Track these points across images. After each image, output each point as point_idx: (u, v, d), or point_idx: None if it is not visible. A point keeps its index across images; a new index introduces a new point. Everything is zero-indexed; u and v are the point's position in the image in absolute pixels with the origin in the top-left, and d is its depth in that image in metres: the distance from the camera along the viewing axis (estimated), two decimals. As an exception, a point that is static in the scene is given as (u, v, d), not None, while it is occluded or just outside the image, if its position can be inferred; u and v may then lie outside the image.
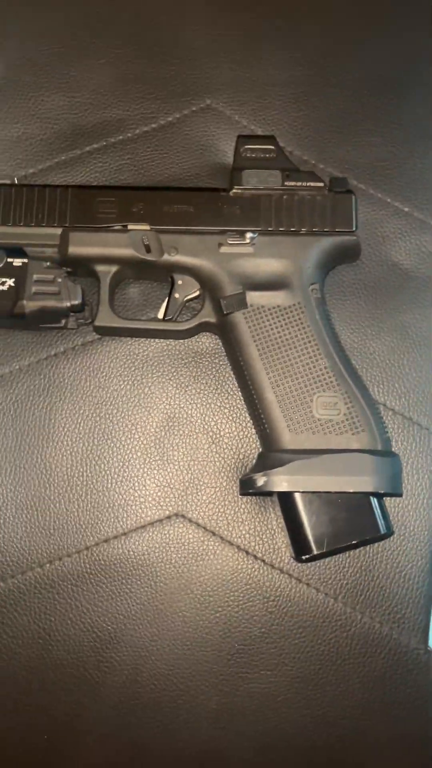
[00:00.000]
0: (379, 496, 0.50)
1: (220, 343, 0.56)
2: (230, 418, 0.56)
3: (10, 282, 0.53)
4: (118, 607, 0.54)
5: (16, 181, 0.56)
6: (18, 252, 0.53)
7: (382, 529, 0.49)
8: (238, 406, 0.56)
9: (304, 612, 0.54)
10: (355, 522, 0.49)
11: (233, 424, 0.56)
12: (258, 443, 0.55)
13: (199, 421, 0.56)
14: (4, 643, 0.53)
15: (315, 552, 0.49)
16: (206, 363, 0.57)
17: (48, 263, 0.53)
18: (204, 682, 0.53)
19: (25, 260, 0.53)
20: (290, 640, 0.53)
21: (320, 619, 0.53)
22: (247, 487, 0.51)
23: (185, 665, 0.53)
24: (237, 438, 0.56)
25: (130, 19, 0.61)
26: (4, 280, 0.53)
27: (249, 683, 0.53)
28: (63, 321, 0.55)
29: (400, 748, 0.53)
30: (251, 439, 0.56)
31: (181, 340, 0.57)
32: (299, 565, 0.54)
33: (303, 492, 0.49)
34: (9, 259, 0.53)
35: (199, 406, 0.56)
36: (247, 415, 0.56)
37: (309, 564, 0.54)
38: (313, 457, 0.49)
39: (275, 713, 0.53)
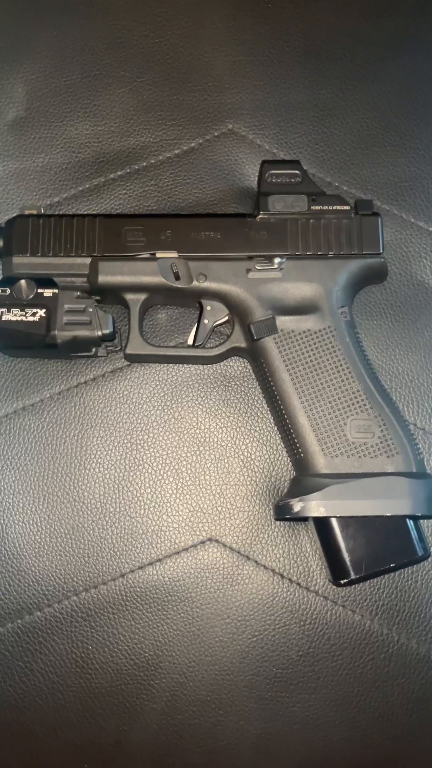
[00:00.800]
0: (416, 519, 0.50)
1: (249, 367, 0.57)
2: (261, 441, 0.56)
3: (41, 312, 0.53)
4: (155, 633, 0.54)
5: (43, 211, 0.56)
6: (48, 282, 0.54)
7: (419, 552, 0.50)
8: (268, 429, 0.57)
9: (341, 634, 0.54)
10: (392, 545, 0.50)
11: (264, 448, 0.56)
12: (289, 467, 0.55)
13: (229, 445, 0.56)
14: (43, 671, 0.54)
15: (353, 576, 0.49)
16: (235, 387, 0.57)
17: (78, 293, 0.54)
18: (243, 706, 0.53)
19: (56, 290, 0.53)
20: (328, 662, 0.54)
21: (357, 641, 0.54)
22: (283, 512, 0.51)
23: (224, 690, 0.53)
24: (268, 461, 0.56)
25: (151, 47, 0.61)
26: (35, 310, 0.53)
27: (289, 707, 0.53)
28: (93, 349, 0.55)
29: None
30: (282, 463, 0.56)
31: (209, 366, 0.57)
32: (334, 587, 0.54)
33: (340, 516, 0.50)
34: (39, 290, 0.53)
35: (229, 430, 0.57)
36: (277, 438, 0.56)
37: (345, 587, 0.54)
38: (349, 482, 0.49)
39: (316, 736, 0.53)
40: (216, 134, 0.60)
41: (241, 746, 0.53)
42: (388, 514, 0.49)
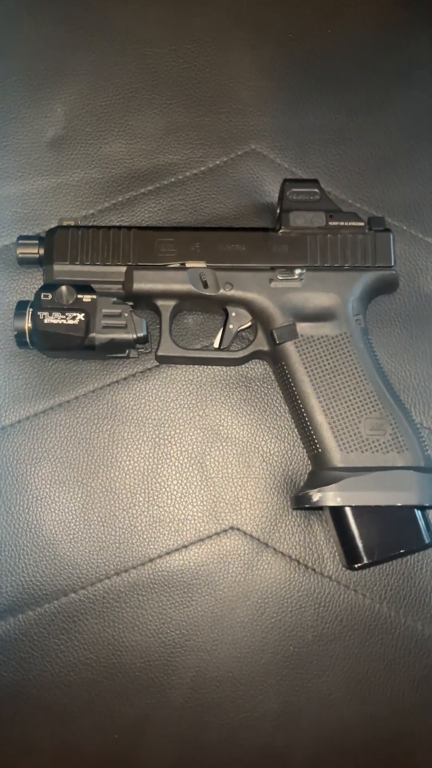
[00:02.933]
0: (423, 509, 0.55)
1: (268, 369, 0.61)
2: (279, 438, 0.61)
3: (81, 316, 0.57)
4: (180, 615, 0.58)
5: (79, 222, 0.60)
6: (86, 289, 0.58)
7: (427, 539, 0.54)
8: (286, 427, 0.61)
9: (352, 616, 0.58)
10: (402, 533, 0.54)
11: (282, 444, 0.61)
12: (306, 461, 0.60)
13: (250, 441, 0.61)
14: (77, 649, 0.58)
15: (366, 561, 0.54)
16: (256, 387, 0.61)
17: (114, 299, 0.58)
18: (263, 683, 0.57)
19: (94, 296, 0.58)
20: (341, 642, 0.58)
21: (368, 623, 0.58)
22: (302, 502, 0.55)
23: (245, 668, 0.58)
24: (285, 456, 0.60)
25: (181, 73, 0.66)
26: (75, 314, 0.57)
27: (304, 684, 0.57)
28: (127, 351, 0.60)
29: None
30: (299, 458, 0.60)
31: (232, 367, 0.62)
32: (347, 572, 0.59)
33: (354, 506, 0.54)
34: (79, 296, 0.57)
35: (250, 427, 0.61)
36: (294, 435, 0.60)
37: (356, 571, 0.58)
38: (363, 475, 0.54)
39: (329, 711, 0.57)
40: (239, 153, 0.65)
41: (260, 720, 0.57)
42: (398, 505, 0.53)
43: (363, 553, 0.54)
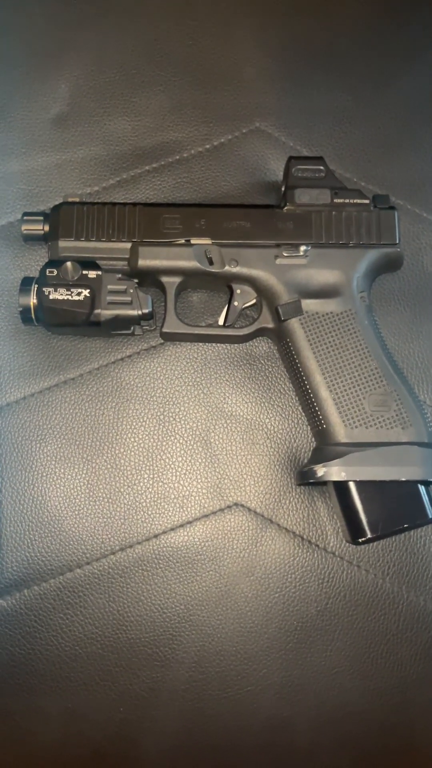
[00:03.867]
0: (427, 484, 0.55)
1: (272, 347, 0.62)
2: (283, 415, 0.61)
3: (86, 292, 0.57)
4: (185, 590, 0.59)
5: (83, 199, 0.60)
6: (92, 265, 0.58)
7: (430, 514, 0.54)
8: (290, 404, 0.61)
9: (355, 591, 0.59)
10: (406, 508, 0.54)
11: (286, 421, 0.61)
12: (309, 438, 0.60)
13: (254, 418, 0.61)
14: (83, 623, 0.58)
15: (370, 535, 0.54)
16: (260, 365, 0.62)
17: (119, 275, 0.58)
18: (266, 656, 0.58)
19: (99, 272, 0.58)
20: (343, 617, 0.58)
21: (370, 598, 0.59)
22: (306, 477, 0.56)
23: (249, 642, 0.58)
24: (289, 433, 0.61)
25: (186, 51, 0.66)
26: (80, 290, 0.57)
27: (307, 658, 0.58)
28: (132, 328, 0.60)
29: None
30: (303, 435, 0.61)
31: (237, 345, 0.62)
32: (350, 548, 0.59)
33: (358, 481, 0.55)
34: (84, 272, 0.57)
35: (254, 404, 0.61)
36: (298, 412, 0.61)
37: (359, 547, 0.59)
38: (367, 450, 0.54)
39: (332, 684, 0.58)
40: (244, 131, 0.65)
41: (264, 693, 0.58)
42: (402, 479, 0.54)
43: (367, 528, 0.54)
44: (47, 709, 0.57)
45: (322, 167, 0.59)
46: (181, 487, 0.60)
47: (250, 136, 0.65)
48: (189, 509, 0.59)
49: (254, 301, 0.60)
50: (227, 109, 0.65)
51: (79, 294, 0.57)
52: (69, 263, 0.57)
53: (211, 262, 0.58)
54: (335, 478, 0.54)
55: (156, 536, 0.59)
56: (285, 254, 0.58)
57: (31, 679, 0.57)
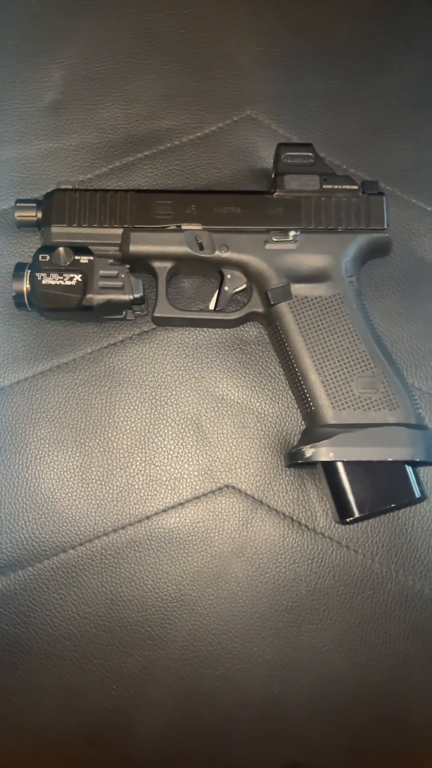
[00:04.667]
0: (414, 465, 0.56)
1: (263, 332, 0.63)
2: (273, 399, 0.62)
3: (78, 277, 0.58)
4: (177, 571, 0.59)
5: (77, 186, 0.61)
6: (84, 250, 0.59)
7: (417, 494, 0.55)
8: (280, 388, 0.62)
9: (345, 572, 0.60)
10: (393, 488, 0.55)
11: (276, 405, 0.62)
12: (299, 421, 0.61)
13: (245, 402, 0.62)
14: (76, 603, 0.59)
15: (357, 515, 0.55)
16: (251, 350, 0.63)
17: (111, 260, 0.59)
18: (257, 635, 0.59)
19: (91, 257, 0.58)
20: (333, 597, 0.59)
21: (360, 578, 0.59)
22: (295, 458, 0.57)
23: (240, 621, 0.59)
24: (279, 416, 0.62)
25: (178, 38, 0.67)
26: (72, 275, 0.58)
27: (298, 637, 0.59)
28: (124, 312, 0.60)
29: (434, 691, 0.59)
30: (293, 418, 0.62)
31: (228, 330, 0.63)
32: (339, 529, 0.60)
33: (346, 461, 0.55)
34: (76, 257, 0.58)
35: (245, 388, 0.62)
36: (288, 396, 0.62)
37: (348, 528, 0.60)
38: (355, 431, 0.55)
39: (323, 662, 0.59)
40: (235, 119, 0.66)
41: (255, 672, 0.59)
42: (389, 460, 0.55)
43: (354, 507, 0.55)
44: (42, 687, 0.58)
45: (311, 153, 0.60)
46: (172, 470, 0.60)
47: (242, 124, 0.65)
48: (181, 491, 0.60)
49: (244, 285, 0.61)
50: (219, 97, 0.66)
51: (71, 279, 0.58)
52: (61, 249, 0.58)
53: (201, 248, 0.59)
54: (323, 458, 0.55)
55: (148, 518, 0.60)
56: (274, 239, 0.59)
57: (26, 657, 0.58)
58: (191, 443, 0.61)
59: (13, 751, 0.58)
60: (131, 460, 0.61)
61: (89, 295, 0.58)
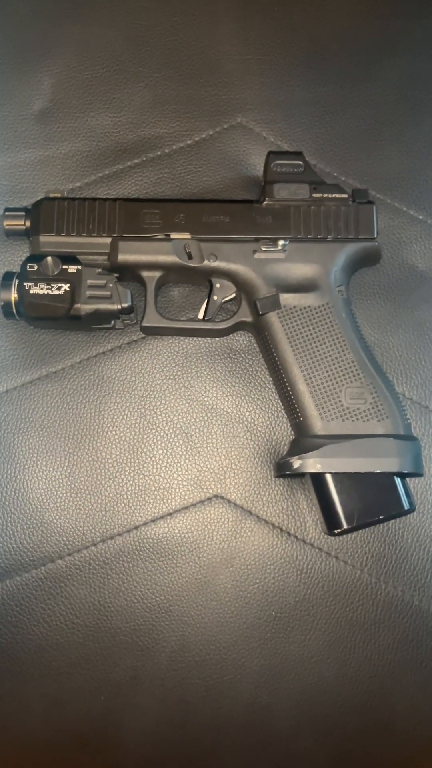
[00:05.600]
0: (403, 476, 0.56)
1: (253, 341, 0.62)
2: (263, 408, 0.62)
3: (66, 287, 0.58)
4: (166, 581, 0.59)
5: (66, 194, 0.61)
6: (72, 260, 0.58)
7: (406, 505, 0.55)
8: (270, 397, 0.62)
9: (333, 582, 0.59)
10: (382, 499, 0.55)
11: (266, 414, 0.62)
12: (289, 431, 0.61)
13: (234, 411, 0.62)
14: (64, 613, 0.59)
15: (345, 527, 0.55)
16: (240, 359, 0.62)
17: (99, 270, 0.59)
18: (245, 646, 0.59)
19: (79, 267, 0.58)
20: (322, 607, 0.59)
21: (348, 589, 0.59)
22: (283, 469, 0.56)
23: (228, 631, 0.59)
24: (269, 426, 0.61)
25: (168, 45, 0.66)
26: (60, 285, 0.58)
27: (286, 646, 0.59)
28: (112, 322, 0.60)
29: (426, 704, 0.58)
30: (282, 428, 0.61)
31: (217, 339, 0.63)
32: (328, 539, 0.60)
33: (334, 473, 0.55)
34: (64, 266, 0.58)
35: (234, 398, 0.62)
36: (277, 405, 0.61)
37: (337, 538, 0.60)
38: (343, 442, 0.55)
39: (310, 673, 0.58)
40: (225, 127, 0.65)
41: (243, 681, 0.59)
42: (378, 471, 0.54)
43: (343, 519, 0.55)
44: (30, 695, 0.58)
45: (300, 162, 0.60)
46: (161, 480, 0.60)
47: (232, 132, 0.65)
48: (169, 501, 0.60)
49: (233, 295, 0.60)
50: (209, 105, 0.65)
51: (59, 288, 0.58)
52: (49, 258, 0.58)
53: (190, 257, 0.59)
54: (310, 469, 0.55)
55: (137, 528, 0.60)
56: (263, 248, 0.58)
57: (14, 666, 0.58)
58: (180, 453, 0.61)
59: (1, 759, 0.58)
60: (120, 470, 0.60)
61: (77, 305, 0.58)
